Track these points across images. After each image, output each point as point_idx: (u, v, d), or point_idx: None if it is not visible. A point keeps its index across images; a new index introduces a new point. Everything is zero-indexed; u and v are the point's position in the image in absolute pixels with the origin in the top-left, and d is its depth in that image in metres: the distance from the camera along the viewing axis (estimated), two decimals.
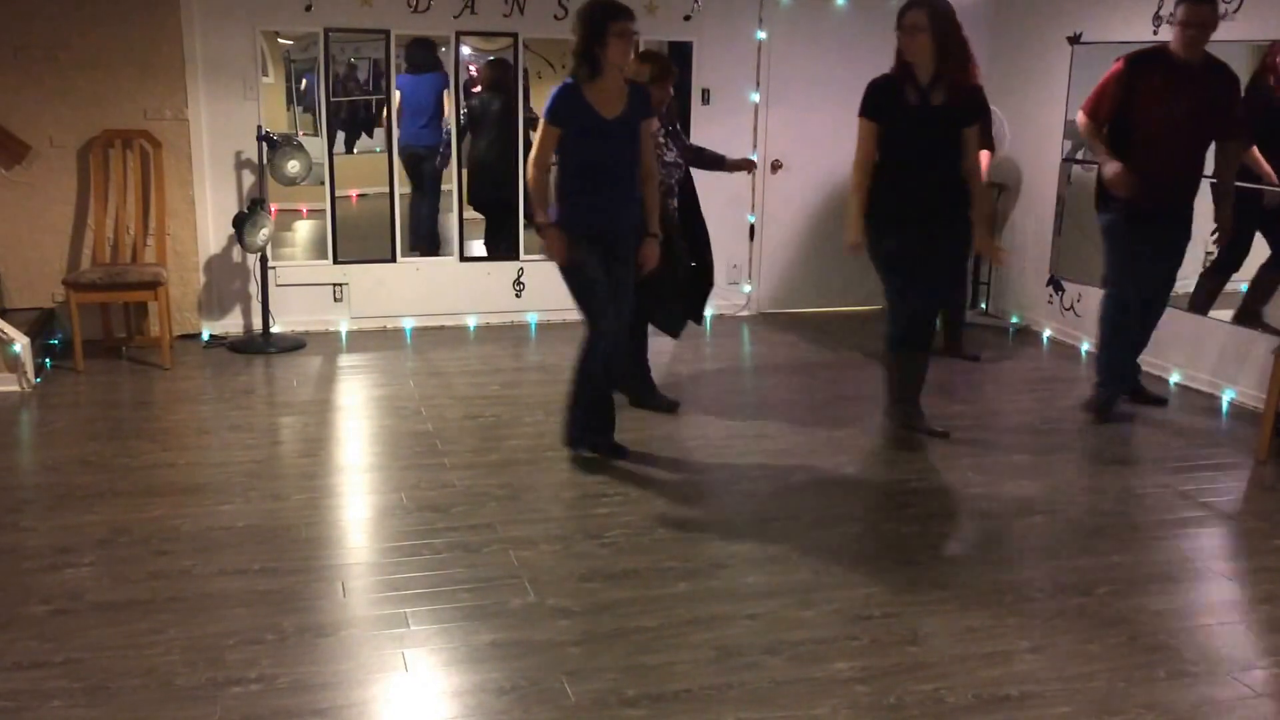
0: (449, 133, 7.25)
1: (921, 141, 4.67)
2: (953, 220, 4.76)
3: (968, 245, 4.87)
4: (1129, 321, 5.33)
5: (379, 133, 7.93)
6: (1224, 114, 5.12)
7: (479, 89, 7.96)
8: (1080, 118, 5.29)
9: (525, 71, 7.08)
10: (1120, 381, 5.49)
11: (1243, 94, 5.33)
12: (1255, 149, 5.64)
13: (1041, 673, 3.17)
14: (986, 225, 4.91)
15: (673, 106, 5.38)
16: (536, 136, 4.49)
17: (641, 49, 5.44)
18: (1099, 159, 5.19)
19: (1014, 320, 7.40)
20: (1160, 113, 5.02)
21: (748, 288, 7.67)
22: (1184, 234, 5.27)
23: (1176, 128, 5.02)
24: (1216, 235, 5.44)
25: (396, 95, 7.06)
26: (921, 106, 4.64)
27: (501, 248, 7.33)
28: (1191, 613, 3.56)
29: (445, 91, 7.45)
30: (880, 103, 4.70)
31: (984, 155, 6.14)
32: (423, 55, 7.60)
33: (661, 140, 5.11)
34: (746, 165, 6.02)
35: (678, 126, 5.41)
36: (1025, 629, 3.42)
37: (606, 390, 4.71)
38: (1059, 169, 6.95)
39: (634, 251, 4.60)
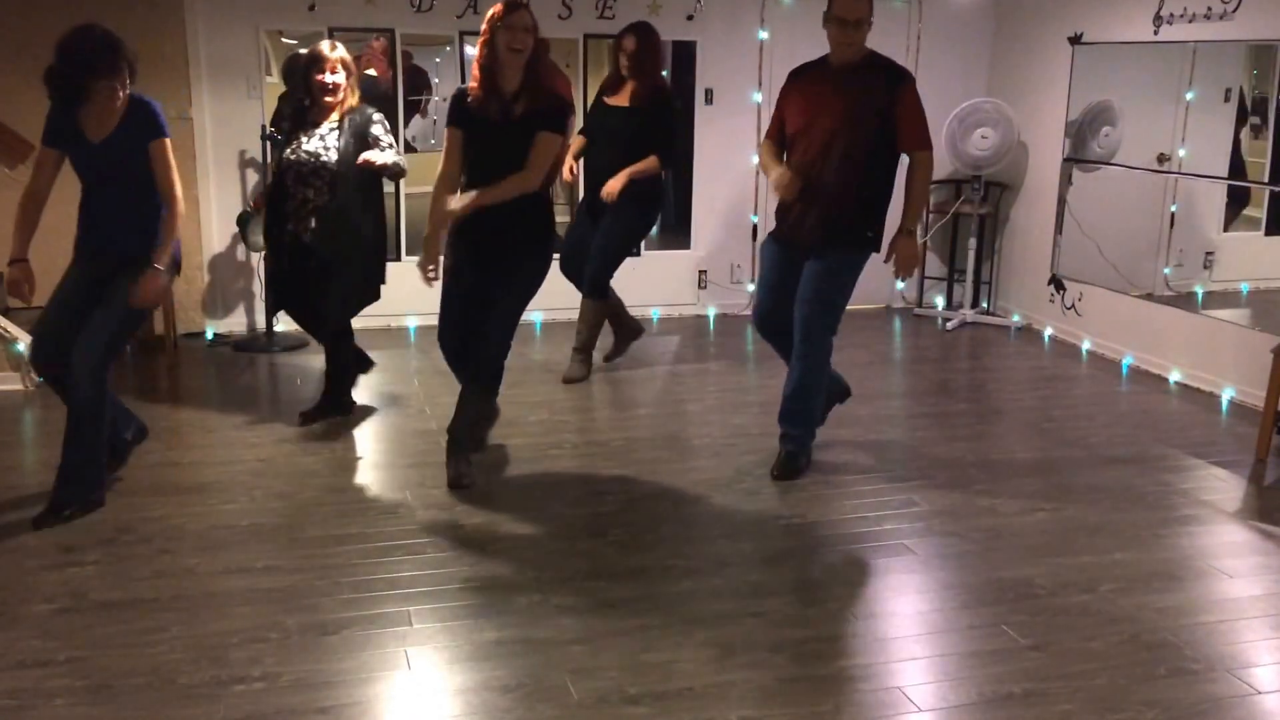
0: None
1: (498, 157, 4.26)
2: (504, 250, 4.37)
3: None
4: (777, 346, 4.75)
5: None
6: (893, 121, 4.34)
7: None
8: (761, 144, 4.78)
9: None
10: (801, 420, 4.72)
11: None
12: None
13: (1044, 670, 3.18)
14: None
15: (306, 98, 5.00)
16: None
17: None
18: (767, 171, 4.59)
19: (1015, 319, 7.41)
20: (801, 124, 4.42)
21: (750, 287, 7.68)
22: (833, 261, 4.46)
23: (823, 138, 4.35)
24: (896, 270, 4.53)
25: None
26: (503, 121, 4.24)
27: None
28: (1193, 610, 3.56)
29: None
30: (461, 113, 4.28)
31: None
32: None
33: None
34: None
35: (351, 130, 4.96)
36: (1028, 626, 3.42)
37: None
38: (1060, 169, 6.96)
39: (121, 285, 4.04)
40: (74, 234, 4.20)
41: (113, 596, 3.52)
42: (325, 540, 3.97)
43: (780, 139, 4.58)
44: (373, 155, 4.82)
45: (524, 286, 4.47)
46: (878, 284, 7.82)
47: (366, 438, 5.14)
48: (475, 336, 4.44)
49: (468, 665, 3.16)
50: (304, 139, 4.96)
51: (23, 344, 5.60)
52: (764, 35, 7.32)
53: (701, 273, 7.54)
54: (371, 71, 7.28)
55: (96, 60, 3.89)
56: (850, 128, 4.34)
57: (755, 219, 7.59)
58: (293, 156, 4.96)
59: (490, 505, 4.30)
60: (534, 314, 7.27)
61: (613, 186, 5.58)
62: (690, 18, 7.14)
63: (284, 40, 7.08)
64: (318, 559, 3.81)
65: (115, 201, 4.09)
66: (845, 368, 6.34)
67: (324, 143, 4.93)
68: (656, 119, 5.70)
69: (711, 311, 7.58)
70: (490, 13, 4.25)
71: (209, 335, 6.68)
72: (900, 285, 7.80)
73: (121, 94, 3.97)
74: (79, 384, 3.96)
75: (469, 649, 3.24)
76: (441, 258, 4.36)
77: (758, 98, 7.38)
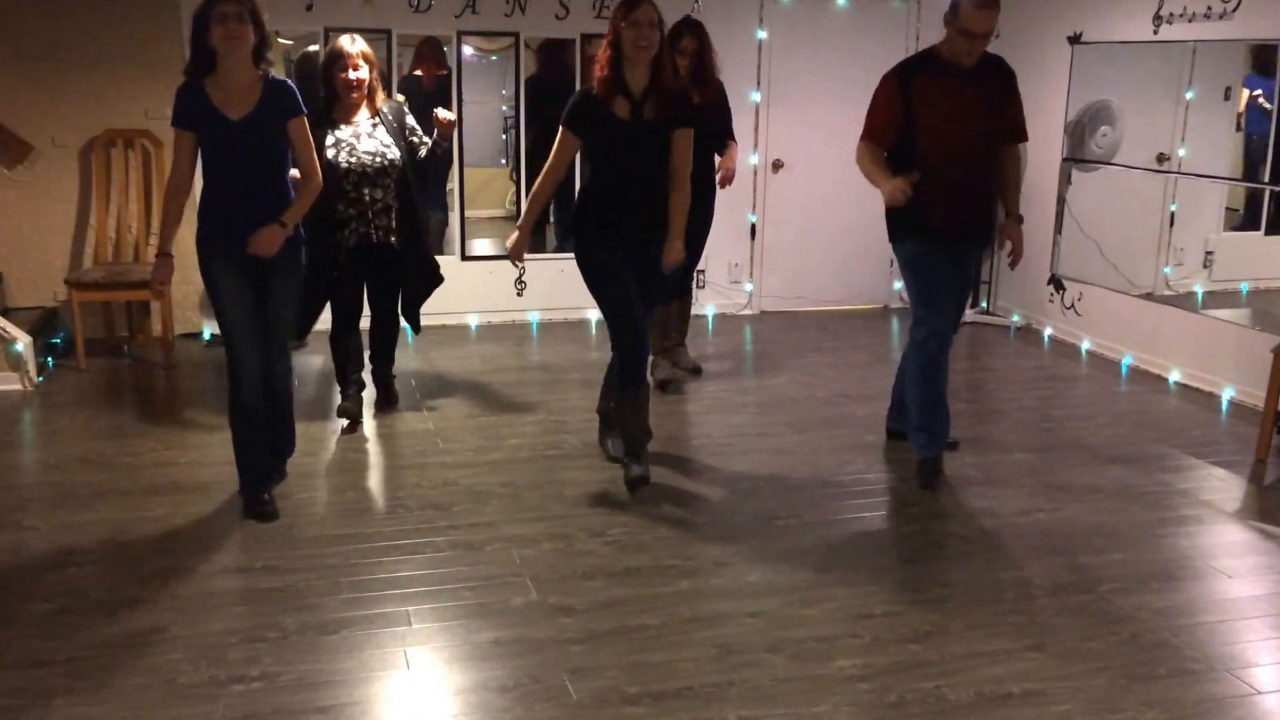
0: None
1: (630, 159, 4.28)
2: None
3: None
4: (943, 359, 4.56)
5: None
6: (1007, 115, 4.51)
7: None
8: (860, 146, 4.50)
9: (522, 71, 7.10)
10: (944, 429, 4.62)
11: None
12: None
13: (1043, 670, 3.17)
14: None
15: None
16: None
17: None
18: (877, 182, 4.42)
19: (1015, 319, 7.41)
20: (945, 125, 4.37)
21: (749, 287, 7.68)
22: (978, 257, 4.72)
23: (964, 138, 4.39)
24: (1011, 255, 4.64)
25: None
26: (634, 121, 4.22)
27: None
28: (1192, 610, 3.56)
29: None
30: (586, 117, 4.26)
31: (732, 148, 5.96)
32: None
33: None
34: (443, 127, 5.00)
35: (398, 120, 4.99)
36: (1026, 627, 3.42)
37: (256, 432, 4.17)
38: (1059, 169, 6.96)
39: (286, 281, 4.06)
40: (178, 227, 4.02)
41: (112, 596, 3.52)
42: (324, 540, 3.97)
43: (888, 142, 4.45)
44: (448, 114, 4.93)
45: (662, 275, 4.50)
46: (876, 283, 7.87)
47: (365, 438, 5.13)
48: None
49: (466, 665, 3.16)
50: (351, 141, 4.82)
51: (21, 344, 5.60)
52: (762, 35, 7.32)
53: (699, 272, 7.54)
54: (417, 72, 7.29)
55: None
56: (991, 122, 4.45)
57: (753, 218, 7.60)
58: (351, 160, 4.81)
59: (488, 505, 4.30)
60: (531, 314, 7.28)
61: (735, 171, 5.89)
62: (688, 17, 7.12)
63: (280, 40, 7.07)
64: (316, 559, 3.81)
65: (253, 185, 3.94)
66: (844, 368, 6.37)
67: (378, 140, 4.85)
68: (725, 111, 5.87)
69: (710, 311, 7.58)
70: (614, 12, 4.22)
71: (206, 335, 6.68)
72: (898, 285, 7.80)
73: (244, 30, 3.77)
74: (280, 378, 4.15)
75: (468, 649, 3.24)
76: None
77: (756, 97, 7.38)
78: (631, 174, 4.29)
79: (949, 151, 4.38)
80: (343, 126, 4.86)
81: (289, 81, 4.00)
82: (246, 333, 4.01)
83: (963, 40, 4.30)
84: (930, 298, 4.52)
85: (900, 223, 4.49)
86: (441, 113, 4.92)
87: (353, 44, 4.83)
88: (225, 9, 3.74)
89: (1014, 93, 4.53)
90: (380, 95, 4.92)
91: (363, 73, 4.81)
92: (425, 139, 5.02)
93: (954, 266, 4.53)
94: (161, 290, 4.11)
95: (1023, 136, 4.61)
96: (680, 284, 5.89)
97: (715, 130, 5.78)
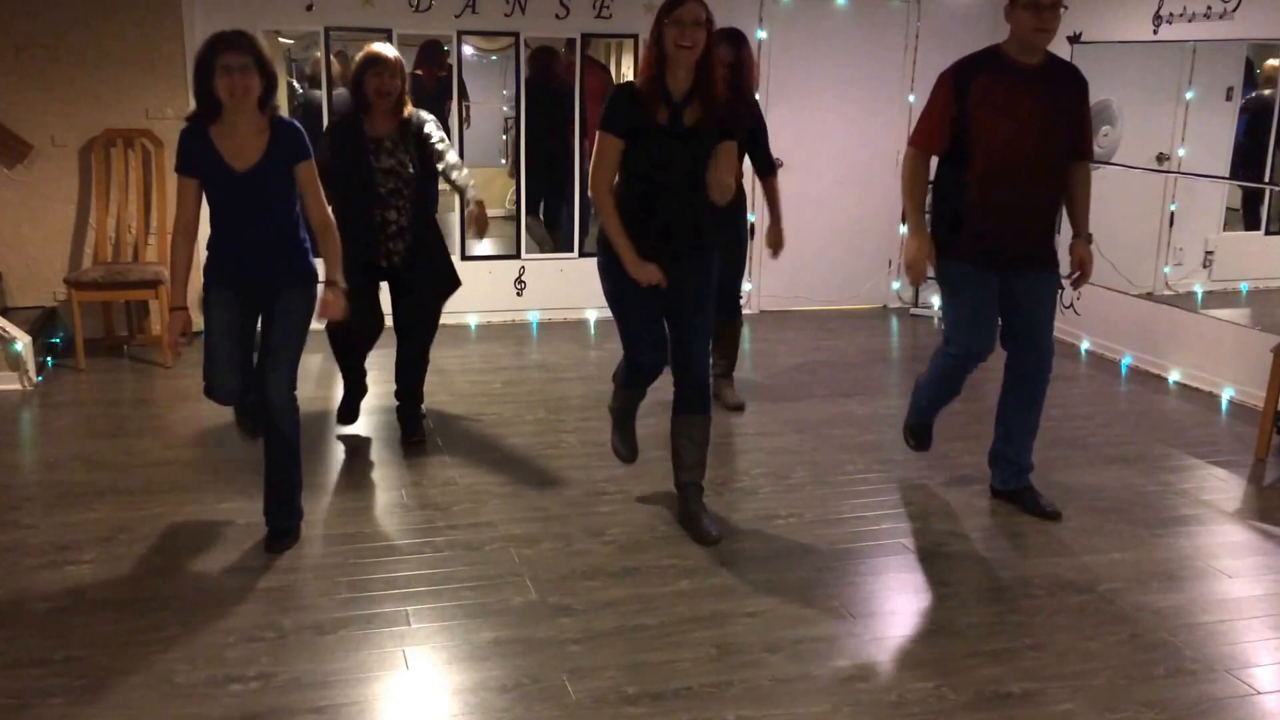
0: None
1: (666, 168, 3.85)
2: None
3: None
4: (960, 379, 4.45)
5: None
6: (1076, 127, 4.08)
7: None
8: (906, 155, 4.21)
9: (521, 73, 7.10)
10: (931, 415, 4.59)
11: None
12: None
13: (1042, 670, 3.17)
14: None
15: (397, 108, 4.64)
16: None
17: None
18: (908, 223, 4.17)
19: None
20: (1003, 133, 3.94)
21: (748, 286, 7.67)
22: (1052, 277, 4.25)
23: (1027, 147, 3.96)
24: (1075, 278, 4.33)
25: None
26: (672, 126, 3.80)
27: None
28: (1191, 611, 3.56)
29: None
30: (625, 118, 3.80)
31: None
32: None
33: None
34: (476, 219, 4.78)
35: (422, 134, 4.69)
36: (1026, 626, 3.42)
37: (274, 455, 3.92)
38: None
39: (293, 306, 3.85)
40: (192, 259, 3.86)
41: (110, 596, 3.52)
42: (322, 540, 3.96)
43: (939, 146, 4.08)
44: (478, 202, 4.67)
45: (713, 287, 4.08)
46: (875, 283, 7.87)
47: (364, 438, 5.12)
48: (678, 361, 4.05)
49: (465, 665, 3.15)
50: (374, 157, 4.57)
51: (21, 343, 5.60)
52: (762, 35, 7.32)
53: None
54: (418, 72, 7.28)
55: (227, 34, 3.64)
56: (1056, 134, 4.01)
57: (752, 217, 7.57)
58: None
59: (487, 505, 4.30)
60: (531, 313, 7.28)
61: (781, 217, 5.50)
62: None
63: (281, 40, 7.07)
64: (314, 559, 3.80)
65: (264, 234, 3.79)
66: (843, 367, 6.36)
67: (396, 160, 4.58)
68: (761, 131, 5.38)
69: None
70: (659, 9, 3.83)
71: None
72: (896, 285, 7.81)
73: (250, 80, 3.60)
74: (283, 417, 3.83)
75: (467, 649, 3.24)
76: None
77: (755, 97, 7.36)
78: (665, 183, 3.85)
79: (1003, 163, 3.97)
80: (371, 140, 4.59)
81: (296, 123, 3.82)
82: (226, 354, 3.89)
83: (1030, 16, 3.86)
84: (961, 319, 4.25)
85: (938, 235, 4.18)
86: (475, 210, 4.70)
87: (389, 50, 4.61)
88: (229, 61, 3.57)
89: (1086, 104, 4.11)
90: (409, 107, 4.67)
91: (398, 79, 4.58)
92: (438, 145, 4.67)
93: (998, 287, 4.20)
94: (183, 347, 3.85)
95: (1089, 153, 4.17)
96: (727, 305, 5.33)
97: (752, 153, 5.32)
